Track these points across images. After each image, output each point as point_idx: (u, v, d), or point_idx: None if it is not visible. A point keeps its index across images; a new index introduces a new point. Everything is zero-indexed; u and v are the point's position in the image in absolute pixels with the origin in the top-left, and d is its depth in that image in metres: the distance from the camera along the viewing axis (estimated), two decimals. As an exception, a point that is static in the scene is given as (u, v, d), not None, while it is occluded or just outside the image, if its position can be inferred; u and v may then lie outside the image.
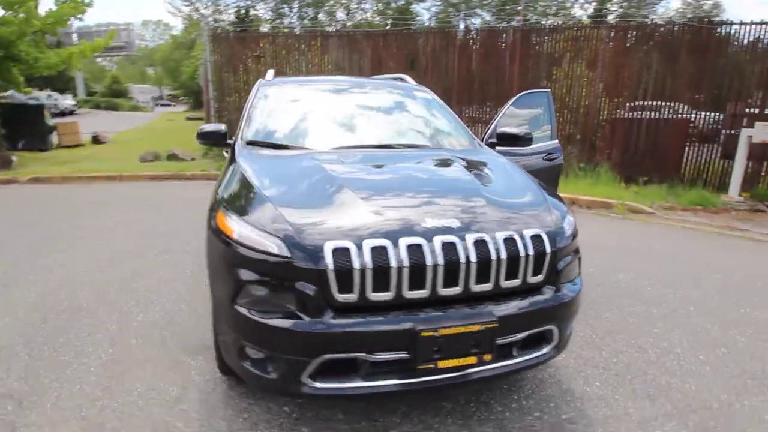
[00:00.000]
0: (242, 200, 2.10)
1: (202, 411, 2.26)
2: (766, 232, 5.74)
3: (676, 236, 5.68)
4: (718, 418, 2.29)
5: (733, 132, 7.83)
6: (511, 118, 3.76)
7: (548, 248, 1.97)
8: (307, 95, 3.40)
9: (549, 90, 4.15)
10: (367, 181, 2.28)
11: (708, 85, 8.22)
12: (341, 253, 1.75)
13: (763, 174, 7.62)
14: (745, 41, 7.81)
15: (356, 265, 1.73)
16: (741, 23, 7.68)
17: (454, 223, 1.89)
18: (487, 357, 1.87)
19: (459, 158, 2.66)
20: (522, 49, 9.15)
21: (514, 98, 3.85)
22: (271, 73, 3.69)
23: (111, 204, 6.74)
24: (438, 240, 1.82)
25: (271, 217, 1.91)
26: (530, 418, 2.26)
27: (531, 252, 1.92)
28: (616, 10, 45.78)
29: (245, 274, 1.84)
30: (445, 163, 2.63)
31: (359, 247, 1.76)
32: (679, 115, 8.29)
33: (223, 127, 3.05)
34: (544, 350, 2.10)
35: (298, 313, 1.78)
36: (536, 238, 1.96)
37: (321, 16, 45.12)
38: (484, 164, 2.65)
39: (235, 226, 1.92)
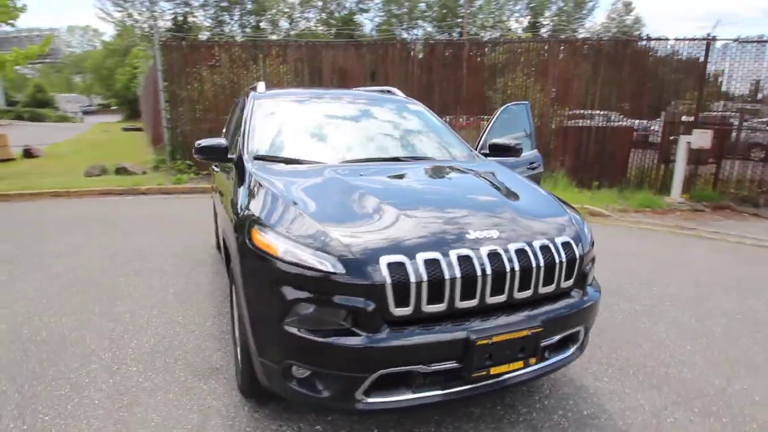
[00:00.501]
0: (278, 217, 2.04)
1: (232, 437, 2.18)
2: (712, 230, 6.30)
3: (634, 236, 6.11)
4: (717, 403, 2.50)
5: (671, 138, 8.55)
6: (497, 129, 3.92)
7: (577, 254, 2.09)
8: (307, 108, 3.37)
9: (528, 102, 4.36)
10: (398, 195, 2.30)
11: (636, 95, 8.96)
12: (397, 267, 1.77)
13: (698, 176, 8.38)
14: (678, 56, 8.62)
15: (413, 278, 1.76)
16: (676, 39, 8.43)
17: (494, 234, 1.96)
18: (532, 360, 1.95)
19: (470, 169, 2.75)
20: (475, 62, 9.52)
21: (500, 110, 4.02)
22: (262, 85, 3.61)
23: (65, 223, 6.27)
24: (485, 250, 1.88)
25: (317, 233, 1.89)
26: (555, 416, 2.36)
27: (564, 258, 2.03)
28: (548, 24, 48.60)
29: (294, 293, 1.81)
30: (461, 174, 2.71)
31: (413, 260, 1.78)
32: (616, 123, 8.96)
33: (223, 141, 2.96)
34: (571, 351, 2.21)
35: (354, 330, 1.77)
36: (566, 245, 2.07)
37: (263, 25, 44.45)
38: (494, 174, 2.75)
39: (280, 244, 1.88)
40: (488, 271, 1.85)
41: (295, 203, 2.09)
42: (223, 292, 3.90)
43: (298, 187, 2.29)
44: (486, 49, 9.83)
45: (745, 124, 8.82)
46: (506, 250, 1.91)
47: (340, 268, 1.77)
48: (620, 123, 8.93)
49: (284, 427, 2.25)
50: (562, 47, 9.48)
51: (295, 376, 1.89)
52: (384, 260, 1.77)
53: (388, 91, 3.96)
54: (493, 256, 1.88)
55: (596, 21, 49.17)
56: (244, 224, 2.10)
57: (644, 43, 8.90)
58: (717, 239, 5.98)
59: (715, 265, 4.95)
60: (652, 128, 9.26)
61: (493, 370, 1.87)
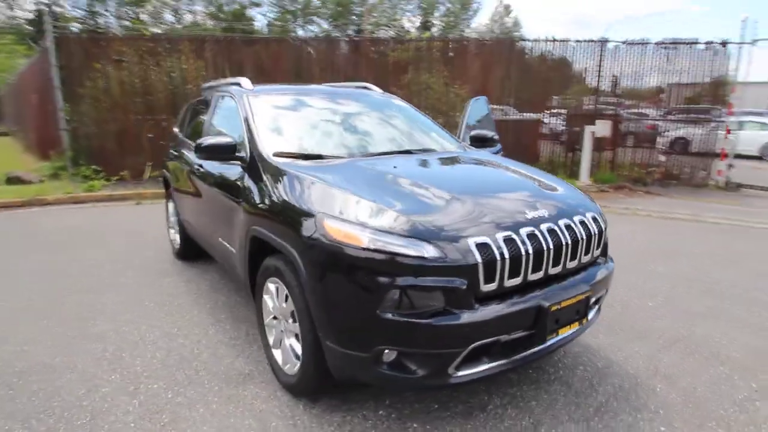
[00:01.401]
0: (348, 207, 2.06)
1: (303, 434, 2.16)
2: (623, 206, 7.30)
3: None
4: (692, 345, 3.01)
5: (575, 129, 9.64)
6: (470, 120, 4.20)
7: (603, 227, 2.40)
8: (304, 104, 3.32)
9: (485, 96, 4.71)
10: (444, 182, 2.42)
11: (525, 90, 10.03)
12: (484, 247, 1.91)
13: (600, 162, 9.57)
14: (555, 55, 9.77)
15: (497, 256, 1.92)
16: (576, 41, 9.50)
17: (545, 212, 2.19)
18: (584, 321, 2.21)
19: (482, 158, 2.97)
20: (398, 60, 9.84)
21: (470, 104, 4.31)
22: (247, 81, 3.47)
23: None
24: (544, 227, 2.09)
25: (400, 220, 1.96)
26: (578, 371, 2.68)
27: (595, 231, 2.33)
28: (438, 23, 51.09)
29: (388, 280, 1.86)
30: (477, 162, 2.91)
31: (494, 240, 1.94)
32: (527, 116, 9.91)
33: (230, 139, 2.84)
34: (593, 313, 2.53)
35: (448, 309, 1.88)
36: (594, 219, 2.37)
37: (144, 17, 40.89)
38: (501, 162, 3.00)
39: (363, 234, 1.92)
40: (550, 245, 2.07)
41: (364, 195, 2.12)
42: (210, 299, 3.70)
43: (345, 179, 2.31)
44: (398, 47, 10.12)
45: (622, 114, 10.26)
46: (558, 226, 2.14)
47: (434, 252, 1.87)
48: (530, 116, 9.87)
49: (348, 417, 2.28)
50: (468, 45, 10.15)
51: (386, 361, 1.95)
52: (472, 241, 1.91)
53: (365, 87, 4.03)
54: (551, 231, 2.11)
55: (480, 21, 52.72)
56: (306, 219, 2.09)
57: (544, 44, 9.89)
58: (628, 214, 6.94)
59: (638, 235, 5.77)
60: (551, 120, 10.36)
61: (561, 332, 2.10)
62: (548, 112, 10.28)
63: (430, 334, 1.87)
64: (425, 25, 48.13)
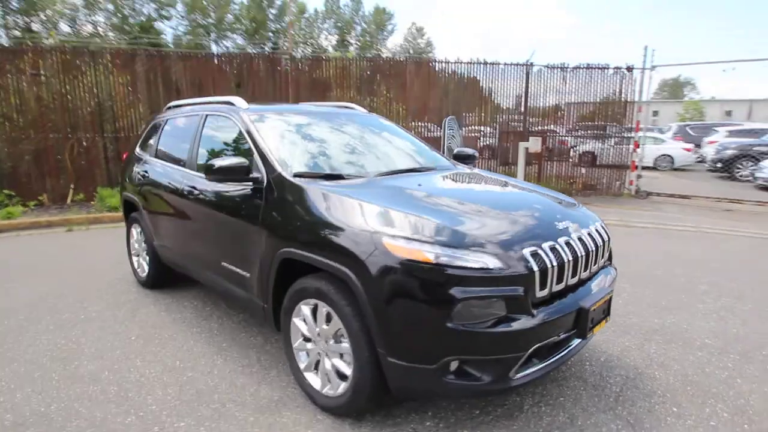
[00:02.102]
0: (406, 226, 2.11)
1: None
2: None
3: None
4: (668, 335, 3.40)
5: (506, 145, 10.38)
6: (448, 138, 4.42)
7: (609, 235, 2.69)
8: (305, 124, 3.30)
9: (454, 116, 4.98)
10: (474, 198, 2.57)
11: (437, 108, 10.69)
12: (536, 257, 2.07)
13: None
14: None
15: (548, 264, 2.09)
16: (505, 63, 10.27)
17: (570, 223, 2.41)
18: (608, 319, 2.45)
19: (484, 174, 3.16)
20: (343, 79, 9.99)
21: (446, 122, 4.54)
22: (241, 100, 3.37)
23: None
24: (575, 236, 2.31)
25: (459, 235, 2.06)
26: (587, 365, 2.93)
27: (606, 239, 2.60)
28: (354, 43, 52.15)
29: (456, 292, 1.95)
30: (487, 179, 3.10)
31: (543, 249, 2.11)
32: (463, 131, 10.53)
33: (244, 160, 2.77)
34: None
35: (510, 315, 2.01)
36: (603, 228, 2.65)
37: (36, 27, 37.19)
38: (504, 178, 3.22)
39: (431, 250, 1.99)
40: (582, 252, 2.29)
41: (405, 211, 2.19)
42: (202, 328, 3.51)
43: (383, 198, 2.37)
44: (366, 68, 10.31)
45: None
46: (583, 235, 2.37)
47: (496, 264, 1.99)
48: (469, 132, 10.47)
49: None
50: (406, 65, 10.58)
51: (451, 371, 2.02)
52: (527, 251, 2.06)
53: (347, 107, 4.09)
54: (580, 240, 2.33)
55: (395, 42, 54.68)
56: (360, 238, 2.12)
57: (477, 65, 10.58)
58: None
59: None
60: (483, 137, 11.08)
61: (595, 330, 2.32)
62: (476, 128, 10.97)
63: (497, 341, 1.99)
64: (342, 43, 48.93)
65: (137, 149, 4.49)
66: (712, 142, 15.97)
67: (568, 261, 2.18)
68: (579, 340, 2.33)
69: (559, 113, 10.97)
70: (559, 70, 10.06)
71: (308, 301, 2.44)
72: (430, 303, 1.98)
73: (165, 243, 3.87)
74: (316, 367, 2.52)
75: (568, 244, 2.24)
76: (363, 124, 3.63)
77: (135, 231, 4.43)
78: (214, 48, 44.86)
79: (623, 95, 10.10)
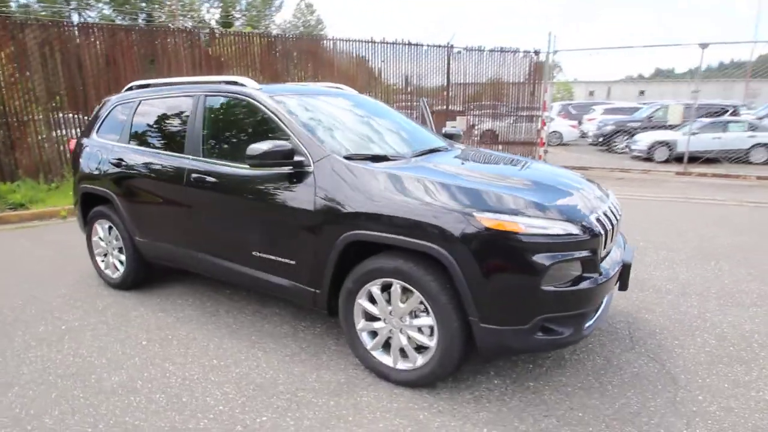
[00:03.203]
0: (490, 201, 2.25)
1: (457, 417, 2.32)
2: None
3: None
4: (681, 286, 4.01)
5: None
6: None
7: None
8: (327, 105, 3.22)
9: (425, 98, 5.15)
10: (522, 174, 2.77)
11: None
12: (600, 222, 2.36)
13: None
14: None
15: (607, 228, 2.40)
16: (428, 45, 10.61)
17: (598, 195, 2.74)
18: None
19: (497, 153, 3.40)
20: (266, 55, 9.57)
21: (422, 103, 4.68)
22: (250, 80, 3.17)
23: None
24: (605, 208, 2.63)
25: (539, 206, 2.25)
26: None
27: (620, 209, 3.00)
28: (239, 18, 49.15)
29: (548, 258, 2.16)
30: (514, 159, 3.34)
31: (597, 216, 2.41)
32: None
33: (289, 144, 2.67)
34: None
35: (585, 275, 2.28)
36: (615, 203, 3.04)
37: None
38: (506, 155, 3.49)
39: (521, 221, 2.17)
40: (613, 222, 2.62)
41: (480, 188, 2.34)
42: (219, 323, 3.33)
43: (451, 177, 2.48)
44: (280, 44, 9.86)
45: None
46: (610, 206, 2.72)
47: (574, 230, 2.24)
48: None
49: (476, 392, 2.50)
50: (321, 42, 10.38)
51: (540, 329, 2.25)
52: (593, 217, 2.34)
53: (339, 88, 4.05)
54: (609, 211, 2.66)
55: (285, 18, 52.55)
56: (449, 215, 2.23)
57: (400, 44, 10.79)
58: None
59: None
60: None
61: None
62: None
63: (579, 298, 2.26)
64: (227, 19, 45.83)
65: (94, 135, 3.98)
66: (591, 120, 18.18)
67: (607, 230, 2.50)
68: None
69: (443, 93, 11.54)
70: (476, 52, 10.68)
71: (378, 281, 2.49)
72: (525, 270, 2.17)
73: (154, 237, 3.54)
74: (386, 345, 2.59)
75: (604, 215, 2.56)
76: (371, 106, 3.65)
77: (101, 228, 3.96)
78: (76, 19, 39.22)
79: (532, 76, 11.05)
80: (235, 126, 3.17)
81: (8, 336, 3.20)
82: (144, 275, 3.90)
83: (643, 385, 2.56)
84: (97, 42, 8.03)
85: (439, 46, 10.42)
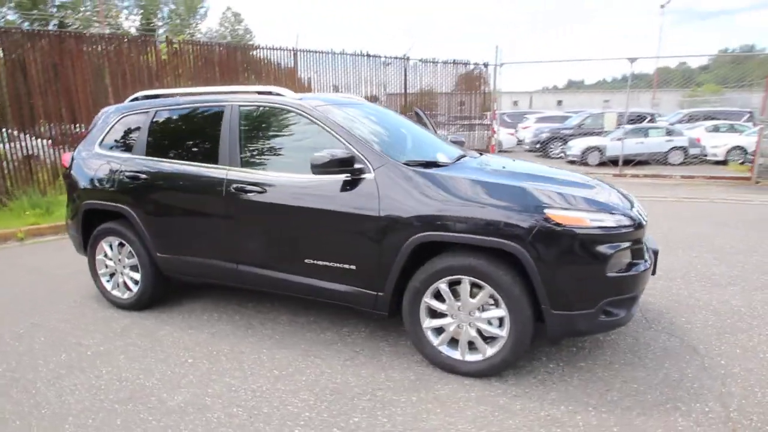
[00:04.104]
0: (554, 199, 2.48)
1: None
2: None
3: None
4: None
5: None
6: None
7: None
8: (366, 115, 3.31)
9: (420, 109, 5.35)
10: (556, 176, 3.04)
11: None
12: (639, 215, 2.68)
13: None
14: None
15: (643, 220, 2.73)
16: (385, 57, 10.88)
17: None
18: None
19: (510, 158, 3.68)
20: (226, 65, 9.34)
21: (419, 112, 4.88)
22: (289, 91, 3.19)
23: None
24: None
25: (596, 203, 2.53)
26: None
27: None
28: (162, 25, 46.93)
29: (610, 248, 2.44)
30: (533, 164, 3.61)
31: (638, 209, 2.74)
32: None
33: (349, 152, 2.75)
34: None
35: (635, 262, 2.58)
36: None
37: None
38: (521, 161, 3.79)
39: (586, 216, 2.43)
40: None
41: (544, 187, 2.58)
42: (256, 335, 3.28)
43: (509, 177, 2.71)
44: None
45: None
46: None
47: (628, 222, 2.53)
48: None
49: (538, 376, 2.72)
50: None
51: (603, 312, 2.51)
52: (635, 211, 2.65)
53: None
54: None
55: (211, 27, 50.70)
56: (522, 214, 2.44)
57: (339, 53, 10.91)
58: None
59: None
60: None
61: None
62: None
63: (634, 282, 2.56)
64: (148, 26, 43.48)
65: (97, 148, 3.77)
66: (525, 128, 19.42)
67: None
68: None
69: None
70: (431, 63, 11.13)
71: (446, 279, 2.63)
72: (593, 259, 2.43)
73: (180, 252, 3.43)
74: (453, 340, 2.74)
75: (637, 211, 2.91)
76: (391, 115, 3.79)
77: (107, 246, 3.74)
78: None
79: (483, 87, 11.70)
80: (279, 136, 3.18)
81: (31, 366, 2.95)
82: (161, 293, 3.74)
83: (674, 357, 2.91)
84: (37, 50, 7.38)
85: (396, 58, 10.75)
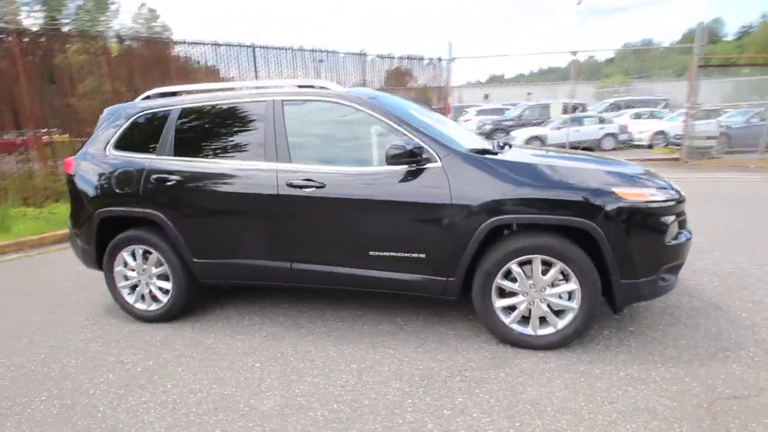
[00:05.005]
0: (618, 178, 2.70)
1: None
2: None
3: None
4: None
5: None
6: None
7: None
8: (407, 106, 3.35)
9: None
10: (592, 158, 3.28)
11: None
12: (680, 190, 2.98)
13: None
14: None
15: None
16: (346, 53, 10.83)
17: None
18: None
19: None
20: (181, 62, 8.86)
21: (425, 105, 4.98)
22: (334, 84, 3.15)
23: None
24: None
25: (650, 180, 2.80)
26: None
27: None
28: (68, 23, 43.06)
29: (668, 219, 2.71)
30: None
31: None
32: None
33: (418, 142, 2.81)
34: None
35: (681, 231, 2.87)
36: None
37: None
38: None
39: (648, 191, 2.69)
40: None
41: (607, 168, 2.80)
42: (310, 335, 3.24)
43: (572, 160, 2.92)
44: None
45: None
46: None
47: (677, 196, 2.80)
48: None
49: (598, 346, 2.94)
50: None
51: (660, 278, 2.77)
52: (676, 185, 2.94)
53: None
54: None
55: (124, 23, 46.98)
56: (591, 192, 2.63)
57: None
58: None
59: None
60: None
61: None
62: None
63: (683, 250, 2.85)
64: (53, 22, 39.59)
65: (112, 150, 3.50)
66: (467, 120, 20.14)
67: None
68: None
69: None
70: (387, 59, 11.26)
71: (517, 259, 2.77)
72: (655, 229, 2.68)
73: (223, 256, 3.28)
74: (524, 317, 2.89)
75: None
76: (424, 108, 3.86)
77: (128, 255, 3.48)
78: None
79: (437, 82, 12.03)
80: (331, 129, 3.15)
81: (79, 391, 2.71)
82: (193, 302, 3.56)
83: (704, 315, 3.26)
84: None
85: (354, 54, 10.76)
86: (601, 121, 15.48)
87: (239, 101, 3.29)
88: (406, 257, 2.94)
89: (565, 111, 13.74)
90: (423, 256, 2.91)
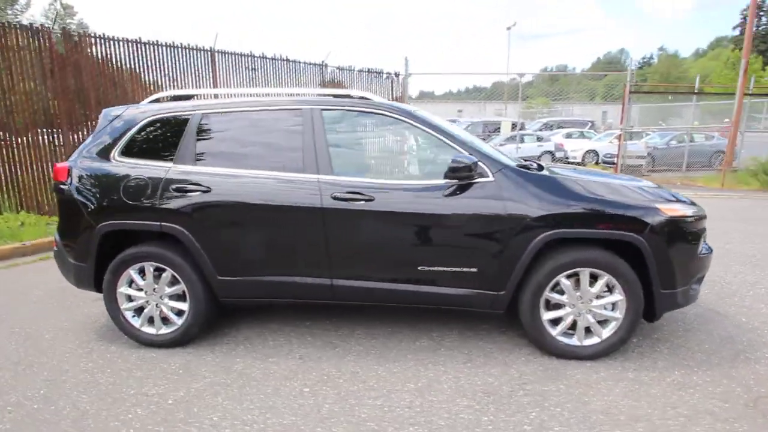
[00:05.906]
0: (659, 195, 2.87)
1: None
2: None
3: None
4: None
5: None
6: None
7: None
8: (441, 119, 3.33)
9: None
10: (616, 177, 3.44)
11: None
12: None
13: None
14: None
15: (703, 210, 3.30)
16: (306, 62, 10.61)
17: None
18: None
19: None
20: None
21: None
22: (374, 95, 3.05)
23: None
24: None
25: (679, 196, 2.99)
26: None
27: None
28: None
29: (699, 233, 2.92)
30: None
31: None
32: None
33: (472, 158, 2.80)
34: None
35: (704, 245, 3.11)
36: None
37: None
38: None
39: (686, 208, 2.88)
40: None
41: (642, 186, 2.97)
42: (351, 355, 3.10)
43: (612, 177, 3.05)
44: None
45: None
46: None
47: (701, 212, 3.03)
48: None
49: (632, 354, 3.09)
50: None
51: (691, 287, 2.98)
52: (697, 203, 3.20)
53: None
54: None
55: (35, 18, 42.49)
56: (639, 210, 2.77)
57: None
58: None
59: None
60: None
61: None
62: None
63: (707, 262, 3.07)
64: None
65: (118, 157, 3.14)
66: (411, 134, 20.57)
67: None
68: None
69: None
70: (347, 71, 11.22)
71: (566, 272, 2.85)
72: (692, 242, 2.88)
73: (253, 273, 3.04)
74: (571, 329, 2.96)
75: None
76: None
77: (135, 274, 3.13)
78: None
79: (395, 96, 12.16)
80: (374, 141, 3.06)
81: (106, 430, 2.36)
82: (212, 323, 3.26)
83: (710, 321, 3.54)
84: None
85: (314, 64, 10.59)
86: (539, 139, 16.50)
87: (271, 108, 3.10)
88: (456, 272, 2.91)
89: (513, 128, 14.48)
90: (474, 270, 2.90)
